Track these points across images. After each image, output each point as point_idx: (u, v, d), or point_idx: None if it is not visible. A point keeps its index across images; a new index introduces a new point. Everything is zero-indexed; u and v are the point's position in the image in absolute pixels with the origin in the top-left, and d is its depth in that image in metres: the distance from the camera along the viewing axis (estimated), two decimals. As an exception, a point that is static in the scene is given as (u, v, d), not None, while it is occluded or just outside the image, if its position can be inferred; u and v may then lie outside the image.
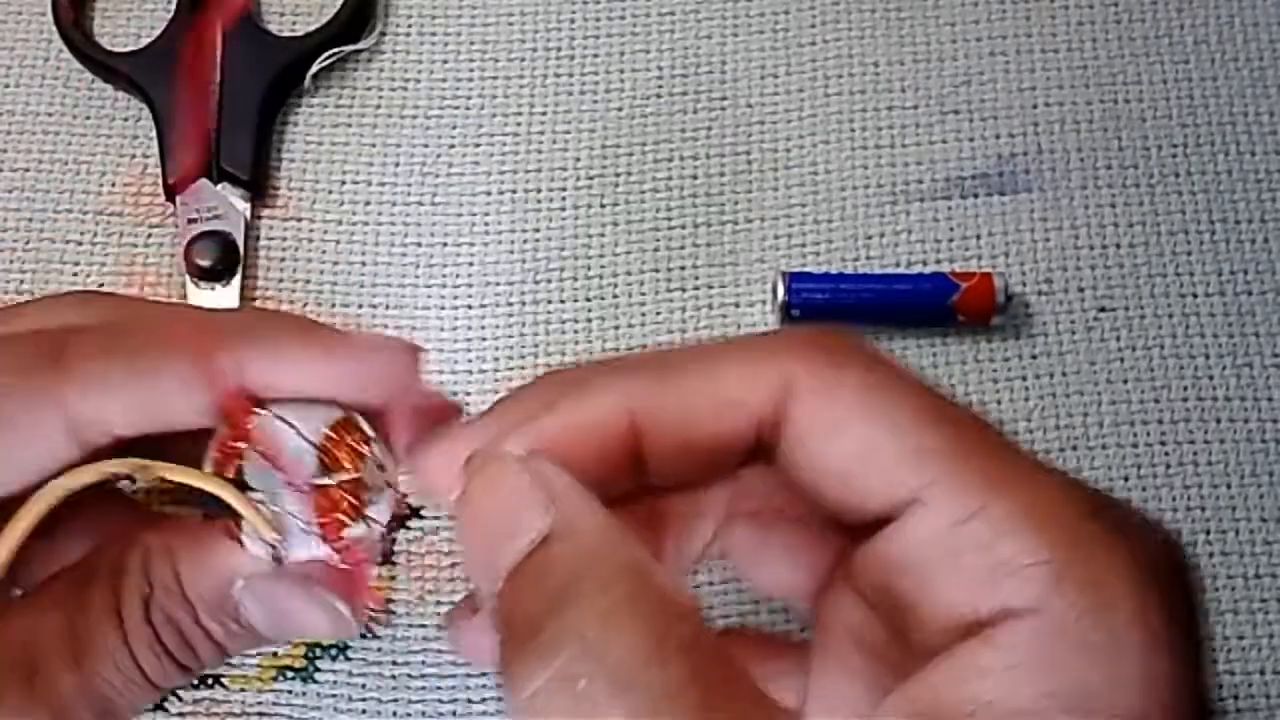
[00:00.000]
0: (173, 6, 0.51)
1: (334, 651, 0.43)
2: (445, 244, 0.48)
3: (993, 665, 0.24)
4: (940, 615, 0.25)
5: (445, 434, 0.29)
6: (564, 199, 0.49)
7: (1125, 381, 0.46)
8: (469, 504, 0.27)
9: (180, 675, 0.31)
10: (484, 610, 0.28)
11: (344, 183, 0.49)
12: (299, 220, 0.49)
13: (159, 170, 0.49)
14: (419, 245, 0.48)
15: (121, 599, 0.30)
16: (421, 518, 0.45)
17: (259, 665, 0.43)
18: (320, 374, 0.30)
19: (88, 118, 0.50)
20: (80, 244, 0.48)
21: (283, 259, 0.48)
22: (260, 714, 0.42)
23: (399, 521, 0.44)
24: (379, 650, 0.43)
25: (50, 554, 0.34)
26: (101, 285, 0.48)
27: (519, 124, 0.50)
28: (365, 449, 0.30)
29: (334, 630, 0.31)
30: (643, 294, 0.48)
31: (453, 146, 0.50)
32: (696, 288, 0.48)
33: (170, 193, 0.48)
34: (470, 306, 0.48)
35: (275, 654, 0.43)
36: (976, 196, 0.49)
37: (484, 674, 0.42)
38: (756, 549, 0.31)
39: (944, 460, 0.26)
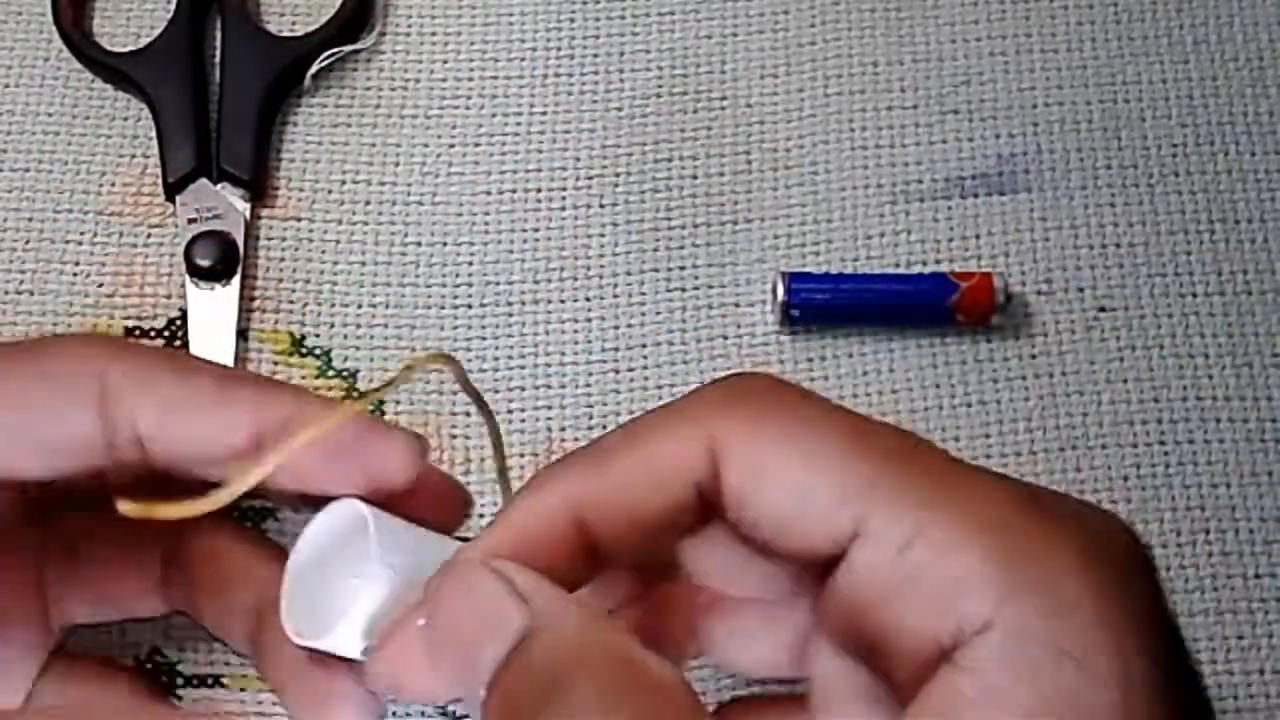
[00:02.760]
0: (173, 6, 0.51)
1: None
2: (445, 244, 0.48)
3: (968, 691, 0.24)
4: (907, 647, 0.25)
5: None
6: (564, 199, 0.49)
7: (1125, 381, 0.46)
8: (440, 612, 0.28)
9: None
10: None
11: (344, 183, 0.49)
12: (299, 220, 0.49)
13: (159, 170, 0.49)
14: (419, 245, 0.48)
15: None
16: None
17: (259, 665, 0.43)
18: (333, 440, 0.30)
19: (88, 118, 0.50)
20: (80, 244, 0.48)
21: (283, 259, 0.48)
22: (260, 714, 0.42)
23: None
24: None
25: (121, 566, 0.34)
26: (101, 285, 0.48)
27: (519, 124, 0.50)
28: None
29: None
30: (643, 294, 0.48)
31: (453, 146, 0.50)
32: (696, 288, 0.48)
33: (170, 193, 0.48)
34: (470, 306, 0.48)
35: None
36: (976, 196, 0.49)
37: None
38: (727, 637, 0.32)
39: (876, 490, 0.26)
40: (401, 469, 0.31)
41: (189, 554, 0.35)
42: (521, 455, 0.45)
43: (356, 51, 0.51)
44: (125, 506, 0.28)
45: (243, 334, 0.47)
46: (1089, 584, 0.24)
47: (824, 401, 0.28)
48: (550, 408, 0.46)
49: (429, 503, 0.33)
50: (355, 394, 0.46)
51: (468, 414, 0.46)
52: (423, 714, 0.42)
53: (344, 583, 0.30)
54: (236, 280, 0.47)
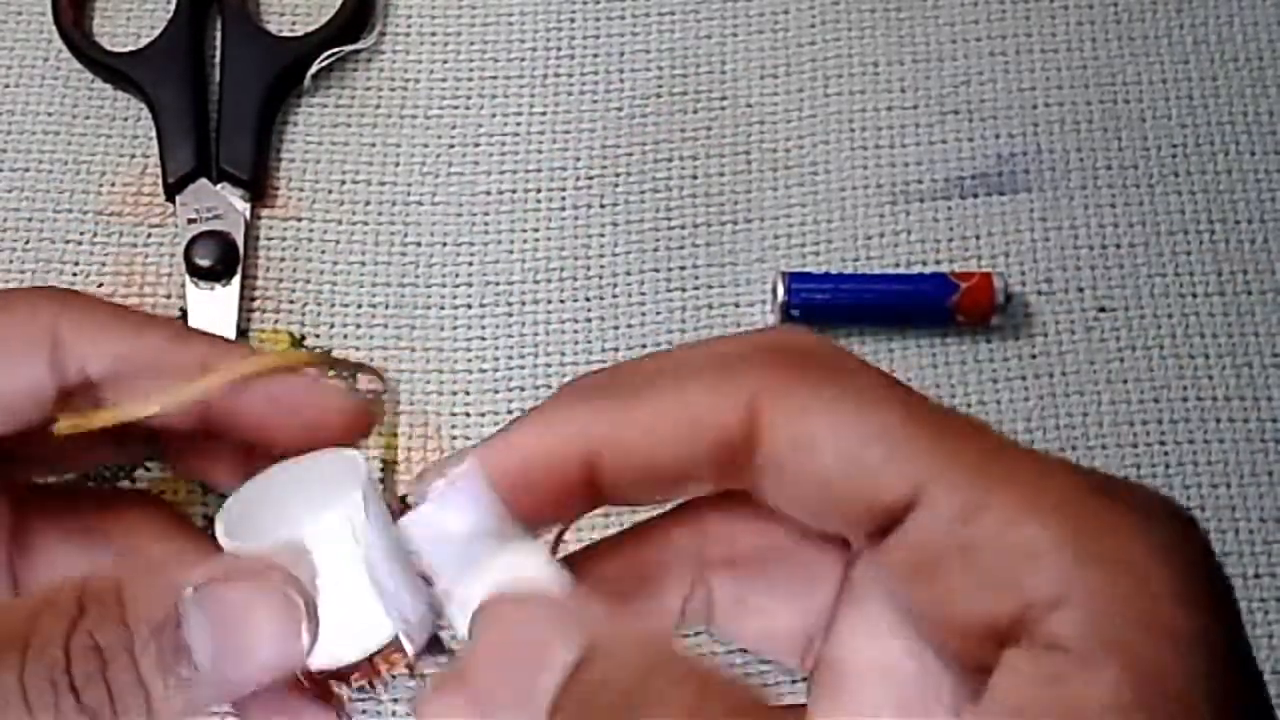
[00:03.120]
0: (173, 6, 0.51)
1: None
2: (445, 244, 0.48)
3: (1055, 668, 0.23)
4: (971, 621, 0.24)
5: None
6: (564, 199, 0.49)
7: (1125, 381, 0.46)
8: (487, 646, 0.26)
9: None
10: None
11: (344, 183, 0.49)
12: (299, 220, 0.49)
13: (159, 170, 0.49)
14: (419, 245, 0.48)
15: (38, 620, 0.26)
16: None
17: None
18: (280, 392, 0.30)
19: (88, 118, 0.50)
20: (80, 244, 0.48)
21: (283, 259, 0.48)
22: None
23: None
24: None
25: (73, 558, 0.34)
26: (101, 285, 0.48)
27: (519, 124, 0.50)
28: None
29: (278, 661, 0.27)
30: (643, 294, 0.48)
31: (453, 146, 0.50)
32: (696, 288, 0.48)
33: (170, 193, 0.48)
34: (470, 306, 0.48)
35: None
36: (976, 196, 0.49)
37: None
38: (736, 602, 0.30)
39: (936, 458, 0.25)
40: (343, 426, 0.30)
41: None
42: (521, 455, 0.45)
43: (356, 51, 0.51)
44: (63, 424, 0.27)
45: (243, 334, 0.47)
46: (1162, 561, 0.24)
47: (875, 369, 0.27)
48: (550, 408, 0.46)
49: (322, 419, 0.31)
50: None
51: (467, 414, 0.46)
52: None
53: (298, 514, 0.28)
54: (236, 280, 0.47)
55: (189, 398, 0.29)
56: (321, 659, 0.27)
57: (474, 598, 0.26)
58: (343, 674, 0.28)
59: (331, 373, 0.33)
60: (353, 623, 0.27)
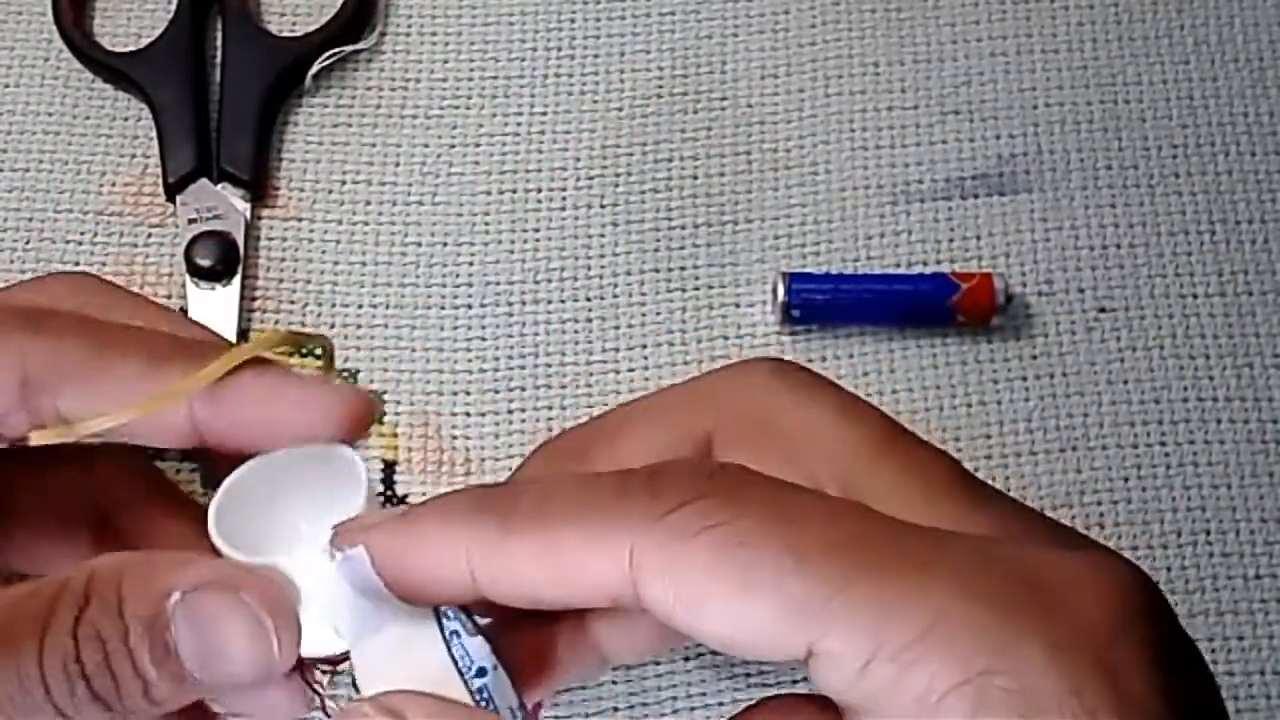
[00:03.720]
0: (173, 6, 0.51)
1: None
2: (445, 244, 0.48)
3: None
4: None
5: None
6: (564, 199, 0.49)
7: (1125, 381, 0.46)
8: None
9: (92, 708, 0.27)
10: None
11: (344, 183, 0.49)
12: (299, 220, 0.49)
13: (159, 170, 0.49)
14: (419, 245, 0.48)
15: (54, 609, 0.27)
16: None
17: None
18: (266, 406, 0.29)
19: (88, 118, 0.50)
20: (80, 244, 0.48)
21: (283, 259, 0.48)
22: (260, 714, 0.42)
23: None
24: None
25: (52, 534, 0.33)
26: (101, 285, 0.48)
27: (519, 124, 0.50)
28: None
29: (255, 669, 0.27)
30: (643, 294, 0.48)
31: (453, 146, 0.50)
32: (696, 288, 0.48)
33: (170, 193, 0.48)
34: (470, 306, 0.48)
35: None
36: (976, 196, 0.49)
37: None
38: (610, 634, 0.30)
39: (826, 604, 0.24)
40: (341, 429, 0.29)
41: (120, 530, 0.34)
42: (522, 455, 0.45)
43: (356, 51, 0.51)
44: (37, 436, 0.27)
45: (243, 334, 0.47)
46: (1068, 679, 0.23)
47: (761, 494, 0.25)
48: (550, 408, 0.46)
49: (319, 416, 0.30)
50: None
51: (467, 414, 0.46)
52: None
53: (289, 517, 0.29)
54: (237, 280, 0.47)
55: (161, 407, 0.28)
56: (307, 649, 0.28)
57: (368, 658, 0.28)
58: (330, 660, 0.29)
59: (300, 351, 0.32)
60: (324, 627, 0.28)
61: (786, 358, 0.46)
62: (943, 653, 0.23)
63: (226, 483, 0.30)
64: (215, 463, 0.33)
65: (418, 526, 0.27)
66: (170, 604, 0.27)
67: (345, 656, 0.29)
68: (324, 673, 0.29)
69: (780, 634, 0.24)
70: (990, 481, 0.44)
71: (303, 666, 0.29)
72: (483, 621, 0.28)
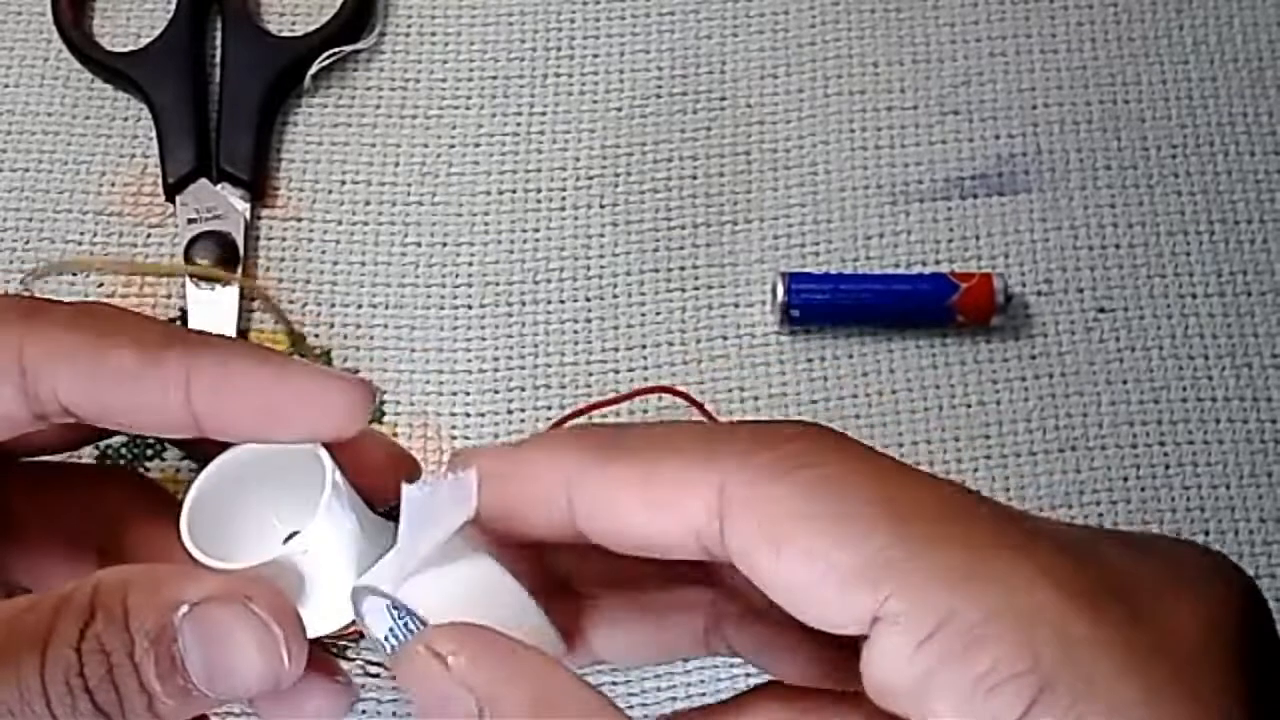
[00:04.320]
0: (173, 6, 0.51)
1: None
2: (445, 244, 0.48)
3: None
4: None
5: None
6: (564, 199, 0.49)
7: (1125, 381, 0.46)
8: (409, 690, 0.27)
9: None
10: None
11: (344, 183, 0.49)
12: (299, 220, 0.49)
13: (159, 170, 0.49)
14: (419, 245, 0.48)
15: (57, 621, 0.27)
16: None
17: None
18: (266, 394, 0.29)
19: (88, 118, 0.50)
20: (80, 244, 0.48)
21: (283, 259, 0.48)
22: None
23: None
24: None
25: (55, 550, 0.33)
26: (101, 285, 0.48)
27: (519, 124, 0.50)
28: None
29: (264, 680, 0.27)
30: (643, 294, 0.48)
31: (453, 146, 0.50)
32: (696, 288, 0.48)
33: (170, 193, 0.48)
34: (470, 306, 0.48)
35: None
36: (976, 196, 0.49)
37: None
38: (763, 649, 0.30)
39: (901, 565, 0.23)
40: (341, 419, 0.29)
41: (125, 548, 0.34)
42: (521, 455, 0.45)
43: (356, 51, 0.51)
44: None
45: (243, 334, 0.47)
46: (1144, 684, 0.22)
47: (858, 453, 0.25)
48: (550, 408, 0.46)
49: (373, 470, 0.30)
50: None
51: (467, 414, 0.46)
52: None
53: (259, 514, 0.30)
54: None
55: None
56: (314, 630, 0.28)
57: (425, 592, 0.27)
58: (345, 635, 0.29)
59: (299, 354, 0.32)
60: (329, 602, 0.29)
61: (785, 358, 0.46)
62: (1013, 637, 0.22)
63: (194, 488, 0.30)
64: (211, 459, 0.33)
65: (525, 453, 0.27)
66: (178, 617, 0.26)
67: (351, 625, 0.29)
68: (343, 646, 0.30)
69: (854, 585, 0.23)
70: (990, 481, 0.45)
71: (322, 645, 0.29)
72: None
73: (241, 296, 0.47)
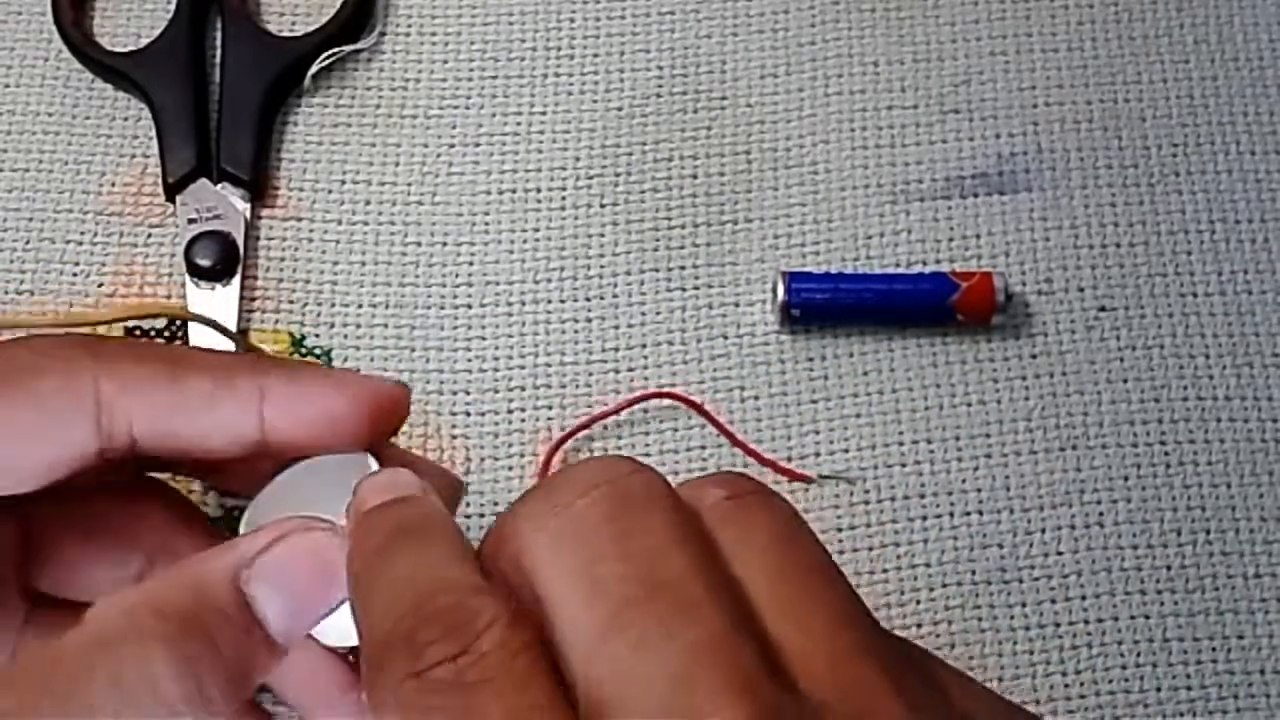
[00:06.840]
0: (172, 6, 0.51)
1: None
2: (445, 244, 0.48)
3: None
4: None
5: None
6: (564, 199, 0.49)
7: (1125, 381, 0.46)
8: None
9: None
10: None
11: (344, 183, 0.49)
12: (299, 220, 0.49)
13: (159, 170, 0.49)
14: (419, 245, 0.48)
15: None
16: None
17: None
18: (331, 403, 0.30)
19: (88, 118, 0.50)
20: (80, 244, 0.48)
21: (283, 259, 0.48)
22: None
23: None
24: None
25: (99, 561, 0.34)
26: (101, 285, 0.48)
27: (519, 124, 0.50)
28: None
29: (330, 596, 0.27)
30: (643, 294, 0.48)
31: (453, 146, 0.50)
32: (696, 288, 0.48)
33: (170, 193, 0.48)
34: (470, 306, 0.48)
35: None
36: (976, 196, 0.49)
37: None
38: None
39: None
40: (397, 417, 0.31)
41: (176, 556, 0.34)
42: (522, 455, 0.45)
43: (356, 51, 0.51)
44: None
45: (243, 334, 0.47)
46: None
47: None
48: (550, 408, 0.46)
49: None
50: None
51: (467, 414, 0.46)
52: None
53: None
54: (236, 280, 0.47)
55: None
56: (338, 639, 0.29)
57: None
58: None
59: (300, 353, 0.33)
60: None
61: (785, 358, 0.47)
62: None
63: (251, 507, 0.31)
64: (227, 479, 0.34)
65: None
66: (244, 581, 0.27)
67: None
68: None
69: None
70: (990, 481, 0.45)
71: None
72: None
73: (241, 296, 0.47)
